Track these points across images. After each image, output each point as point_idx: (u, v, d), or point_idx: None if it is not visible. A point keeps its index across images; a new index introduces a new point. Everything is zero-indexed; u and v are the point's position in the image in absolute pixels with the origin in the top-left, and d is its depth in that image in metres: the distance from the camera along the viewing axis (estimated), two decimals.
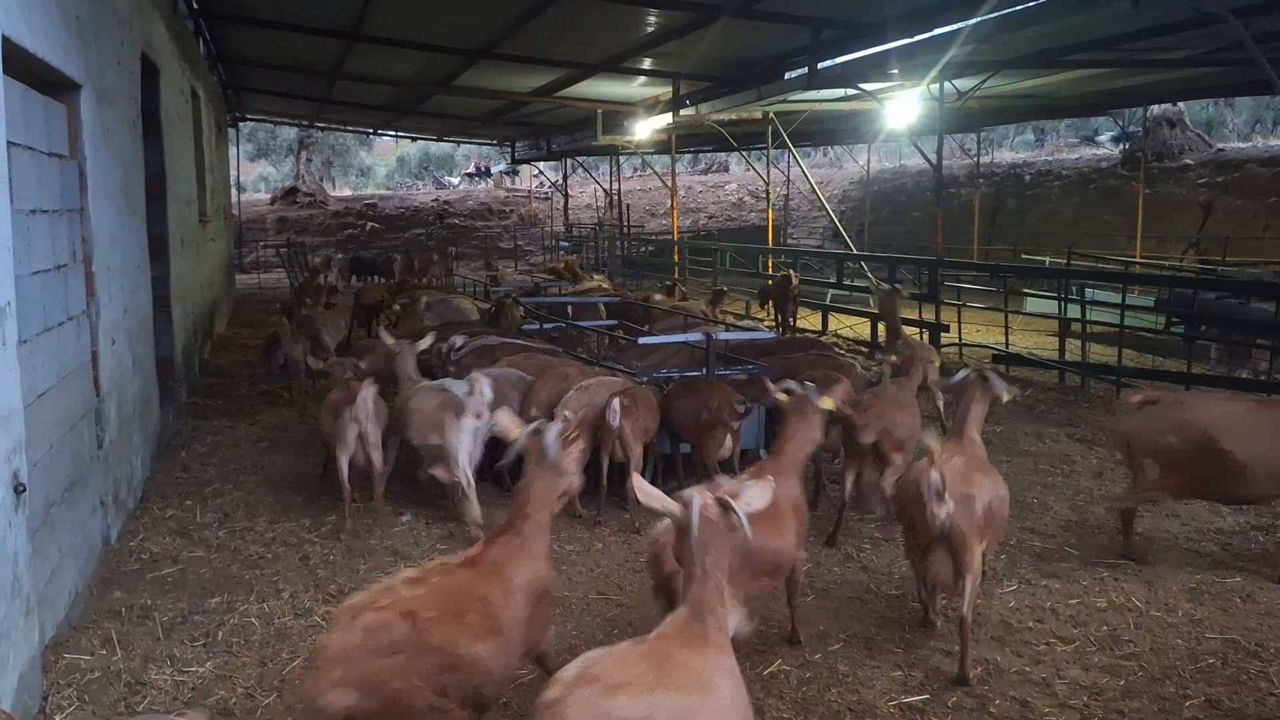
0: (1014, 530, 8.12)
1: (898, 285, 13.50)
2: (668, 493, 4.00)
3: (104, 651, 5.97)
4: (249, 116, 33.99)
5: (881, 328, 15.51)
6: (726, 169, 56.06)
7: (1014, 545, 7.80)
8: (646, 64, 17.96)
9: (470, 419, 7.86)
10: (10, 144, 5.25)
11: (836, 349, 12.56)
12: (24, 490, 5.11)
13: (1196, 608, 6.60)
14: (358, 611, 4.11)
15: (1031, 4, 10.69)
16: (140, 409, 9.19)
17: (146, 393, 9.66)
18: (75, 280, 7.04)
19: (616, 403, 8.11)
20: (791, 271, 18.49)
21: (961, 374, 6.75)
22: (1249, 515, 8.46)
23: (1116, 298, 15.26)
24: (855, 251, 23.17)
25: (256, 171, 61.87)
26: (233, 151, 30.77)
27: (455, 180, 59.68)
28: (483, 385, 7.90)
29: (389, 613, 4.07)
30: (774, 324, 18.03)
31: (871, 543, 7.89)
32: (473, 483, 7.91)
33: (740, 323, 15.39)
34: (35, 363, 5.75)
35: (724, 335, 10.54)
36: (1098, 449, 10.60)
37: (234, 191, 32.63)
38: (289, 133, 52.25)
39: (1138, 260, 22.33)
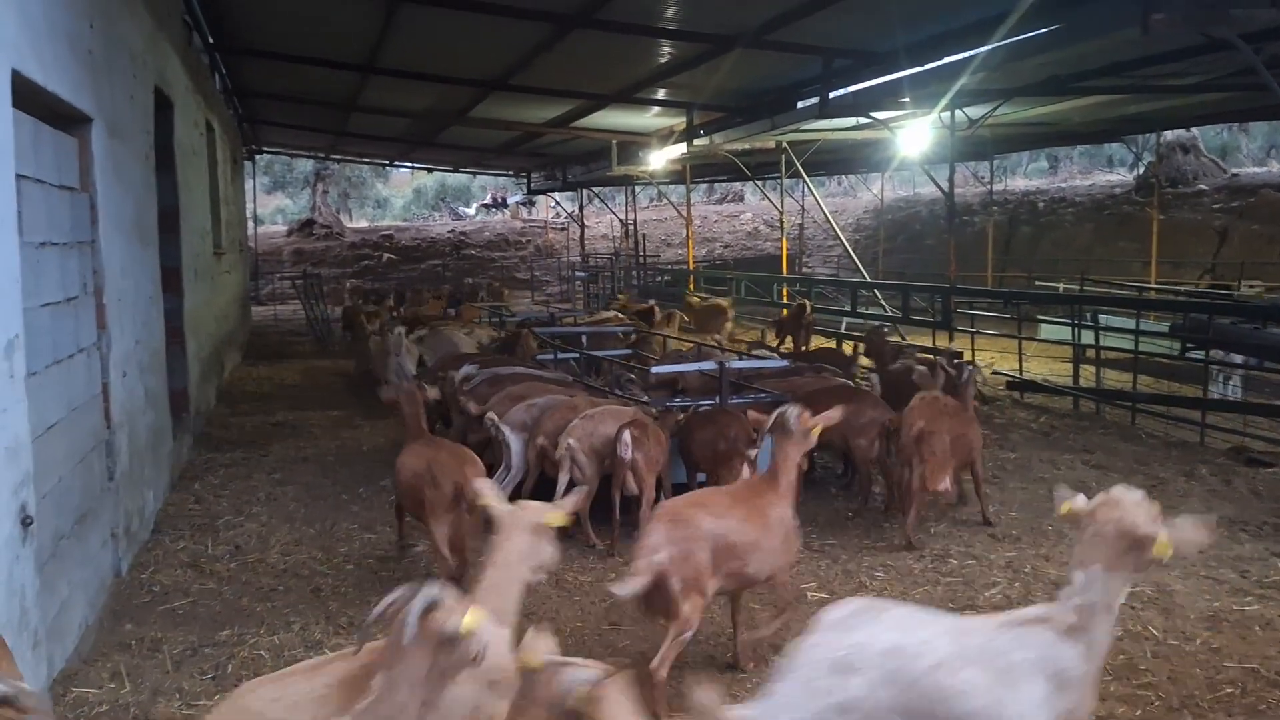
0: (1029, 558, 8.07)
1: None
2: None
3: (113, 685, 5.96)
4: (265, 149, 34.19)
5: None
6: (741, 198, 56.17)
7: (1029, 572, 7.74)
8: (660, 94, 18.00)
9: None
10: (19, 177, 5.28)
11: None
12: (31, 523, 5.11)
13: (1215, 636, 6.52)
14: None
15: (1041, 32, 10.64)
16: (152, 441, 9.21)
17: (159, 424, 9.68)
18: (86, 312, 7.07)
19: (627, 435, 8.07)
20: (806, 300, 18.51)
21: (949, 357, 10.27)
22: (1268, 541, 8.38)
23: (1131, 323, 15.20)
24: (868, 280, 23.13)
25: (273, 204, 62.23)
26: (249, 184, 30.98)
27: (472, 211, 59.86)
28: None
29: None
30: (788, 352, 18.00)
31: (884, 570, 7.84)
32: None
33: (754, 351, 15.37)
34: (45, 395, 5.76)
35: (736, 364, 10.53)
36: (1113, 475, 10.50)
37: (250, 224, 32.83)
38: (305, 165, 52.52)
39: (1152, 286, 22.23)
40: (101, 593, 7.05)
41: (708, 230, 47.83)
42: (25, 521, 5.04)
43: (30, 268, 5.50)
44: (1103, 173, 48.25)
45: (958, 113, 15.86)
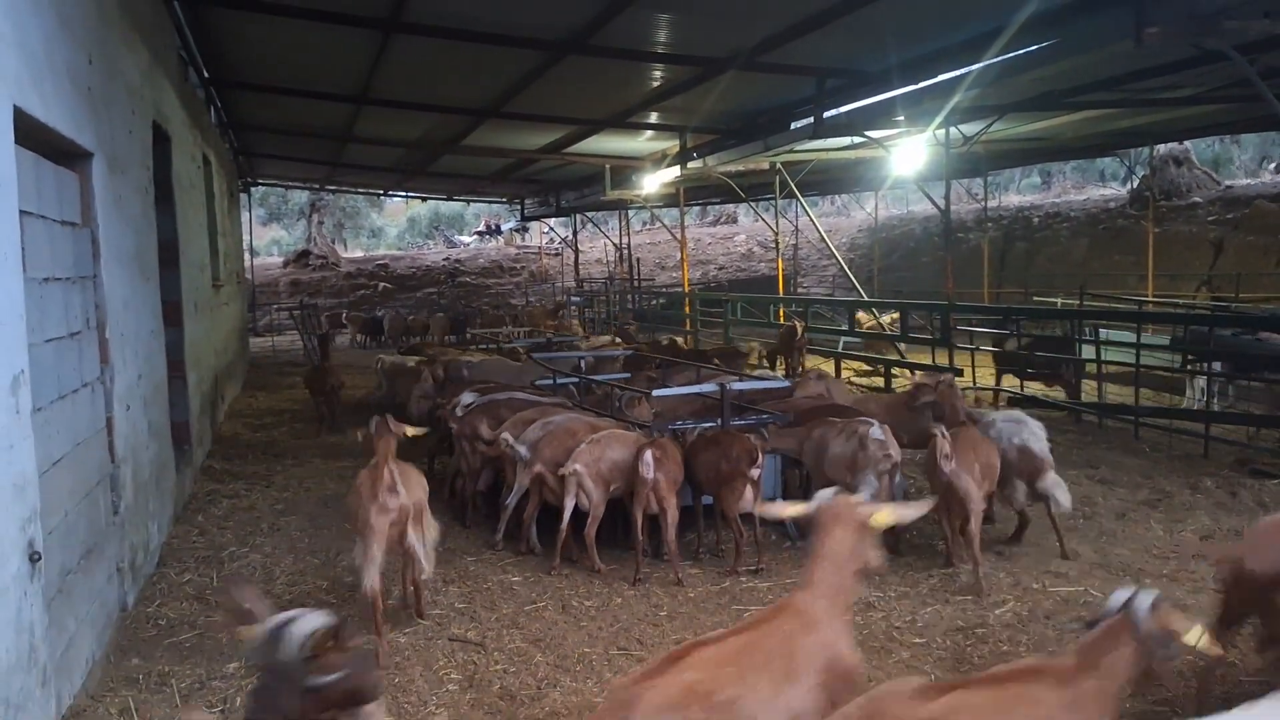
0: (1037, 574, 8.05)
1: None
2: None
3: None
4: (261, 181, 34.22)
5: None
6: (735, 220, 56.27)
7: (1037, 589, 7.72)
8: (653, 118, 18.04)
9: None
10: (23, 213, 5.28)
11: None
12: (39, 559, 5.08)
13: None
14: None
15: (1034, 48, 10.68)
16: (156, 474, 9.18)
17: (162, 457, 9.65)
18: (89, 347, 7.06)
19: (649, 455, 8.08)
20: (798, 321, 18.54)
21: (944, 376, 10.50)
22: None
23: (1131, 337, 15.21)
24: (865, 298, 23.15)
25: (269, 235, 62.37)
26: (245, 216, 31.01)
27: (466, 239, 59.97)
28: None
29: None
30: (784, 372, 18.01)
31: (897, 593, 7.81)
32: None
33: (754, 372, 15.38)
34: (50, 430, 5.75)
35: (738, 385, 10.51)
36: (1118, 490, 10.51)
37: (247, 255, 32.84)
38: (300, 196, 52.64)
39: (1150, 299, 22.26)
40: (108, 627, 7.01)
41: (702, 253, 47.90)
42: (33, 558, 5.01)
43: (34, 303, 5.49)
44: (1096, 187, 48.40)
45: (952, 130, 15.92)
